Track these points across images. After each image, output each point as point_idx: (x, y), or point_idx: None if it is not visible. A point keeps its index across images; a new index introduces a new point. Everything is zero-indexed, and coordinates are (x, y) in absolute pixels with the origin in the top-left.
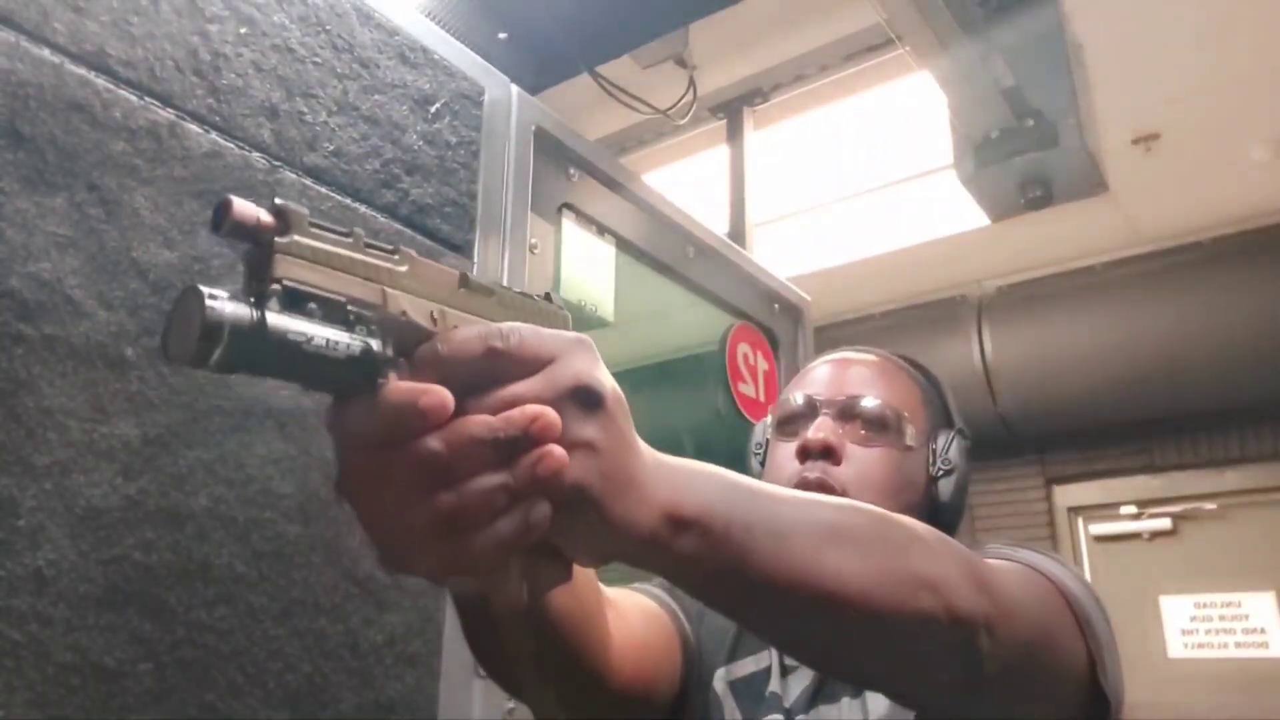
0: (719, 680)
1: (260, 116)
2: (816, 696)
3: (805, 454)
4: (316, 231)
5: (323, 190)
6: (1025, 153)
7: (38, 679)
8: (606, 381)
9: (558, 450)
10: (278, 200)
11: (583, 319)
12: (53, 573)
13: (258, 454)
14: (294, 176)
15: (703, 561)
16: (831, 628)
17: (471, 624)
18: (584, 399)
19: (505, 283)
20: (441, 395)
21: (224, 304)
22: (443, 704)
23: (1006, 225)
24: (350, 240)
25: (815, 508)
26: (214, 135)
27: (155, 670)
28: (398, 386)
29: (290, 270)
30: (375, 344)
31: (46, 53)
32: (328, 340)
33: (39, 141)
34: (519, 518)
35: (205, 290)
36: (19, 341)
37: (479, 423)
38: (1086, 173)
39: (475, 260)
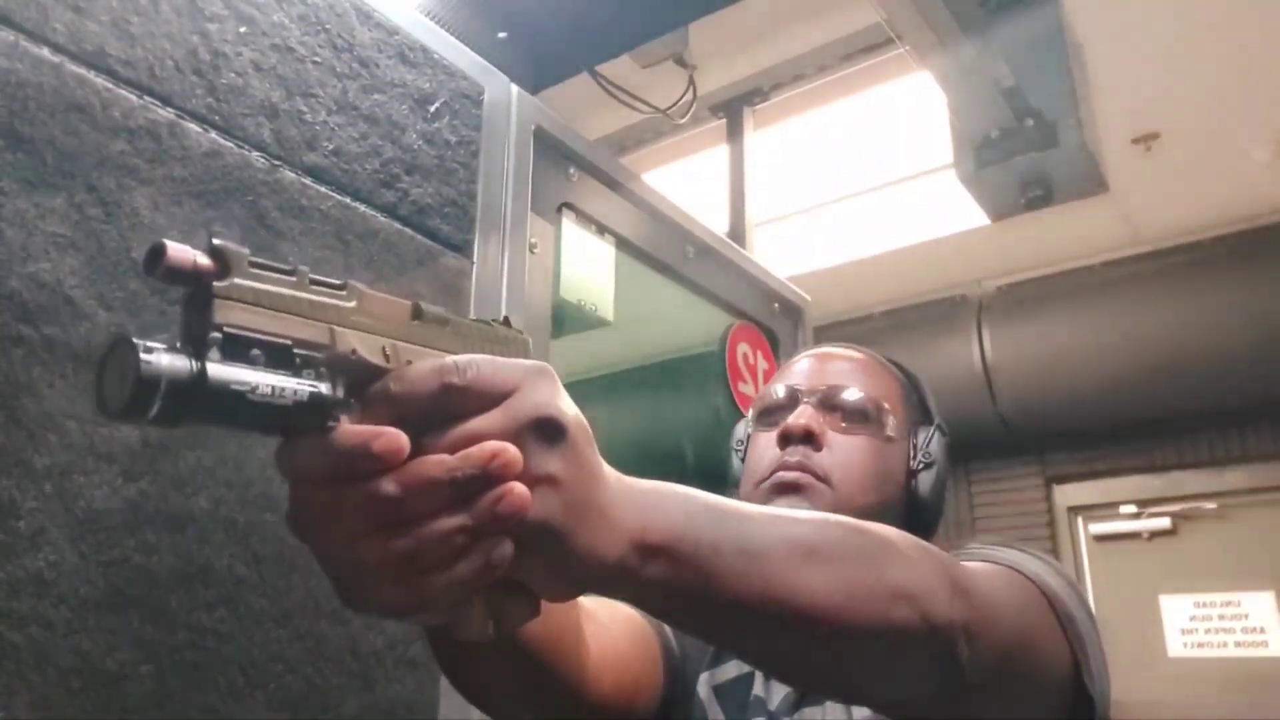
0: (703, 685)
1: (260, 116)
2: (801, 700)
3: (786, 440)
4: (257, 271)
5: (322, 190)
6: (1025, 153)
7: (38, 681)
8: (569, 410)
9: (519, 488)
10: (215, 240)
11: (583, 319)
12: (53, 575)
13: (258, 457)
14: (293, 176)
15: (672, 586)
16: (807, 645)
17: (442, 651)
18: (545, 431)
19: (505, 283)
20: (396, 438)
21: (160, 356)
22: (443, 707)
23: (1006, 225)
24: (294, 279)
25: (786, 524)
26: (214, 135)
27: (156, 673)
28: (348, 430)
29: (230, 315)
30: (324, 387)
31: (46, 52)
32: (274, 388)
33: (39, 141)
34: (480, 558)
35: (140, 343)
36: (19, 343)
37: (435, 463)
38: (1086, 173)
39: (475, 260)
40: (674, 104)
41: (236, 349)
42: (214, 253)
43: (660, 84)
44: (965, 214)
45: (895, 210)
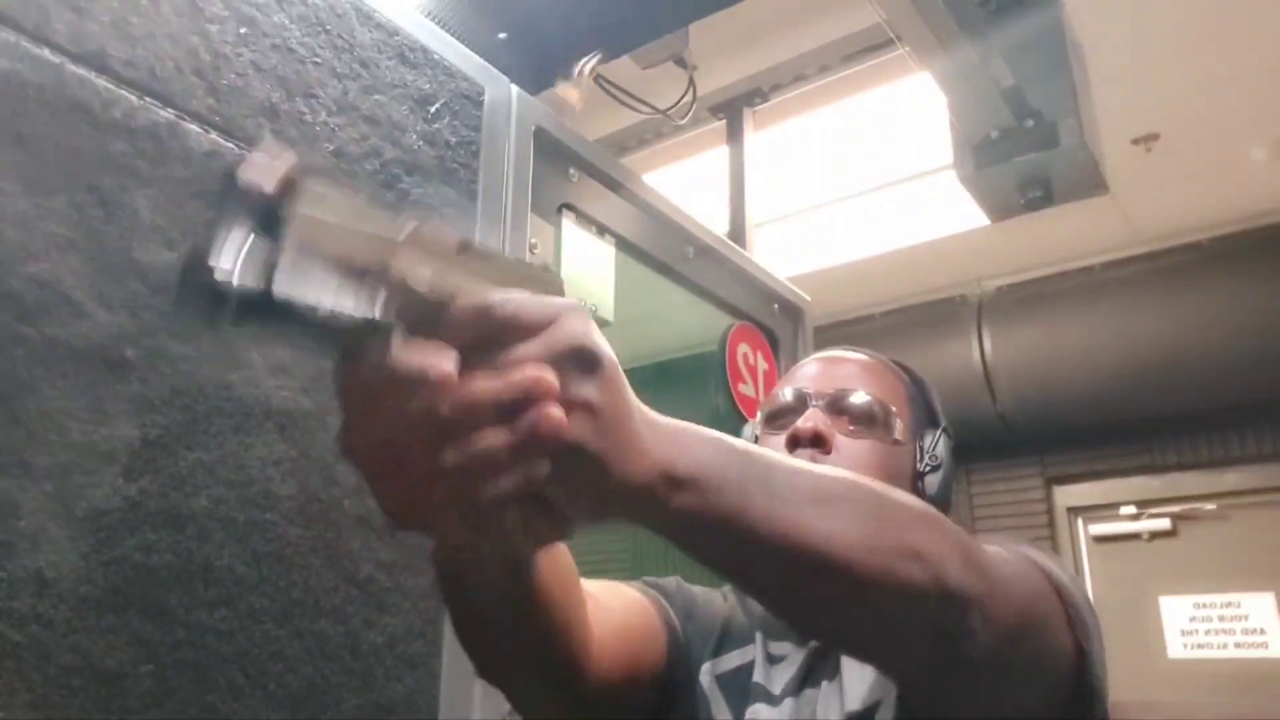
0: (705, 675)
1: (260, 116)
2: (803, 684)
3: (795, 443)
4: (324, 192)
5: None
6: (1025, 153)
7: (38, 681)
8: (603, 345)
9: (556, 410)
10: (294, 159)
11: None
12: (53, 574)
13: (258, 455)
14: None
15: (697, 518)
16: (820, 590)
17: (459, 609)
18: (582, 361)
19: None
20: (448, 364)
21: (236, 262)
22: (443, 706)
23: (1006, 225)
24: (359, 201)
25: (810, 474)
26: (214, 135)
27: (156, 672)
28: (407, 354)
29: (300, 231)
30: (380, 306)
31: (47, 53)
32: (335, 302)
33: (39, 142)
34: (519, 473)
35: (214, 249)
36: (19, 343)
37: (482, 385)
38: (1086, 173)
39: None
40: (674, 105)
41: (303, 263)
42: (291, 171)
43: (660, 85)
44: (965, 214)
45: (895, 210)
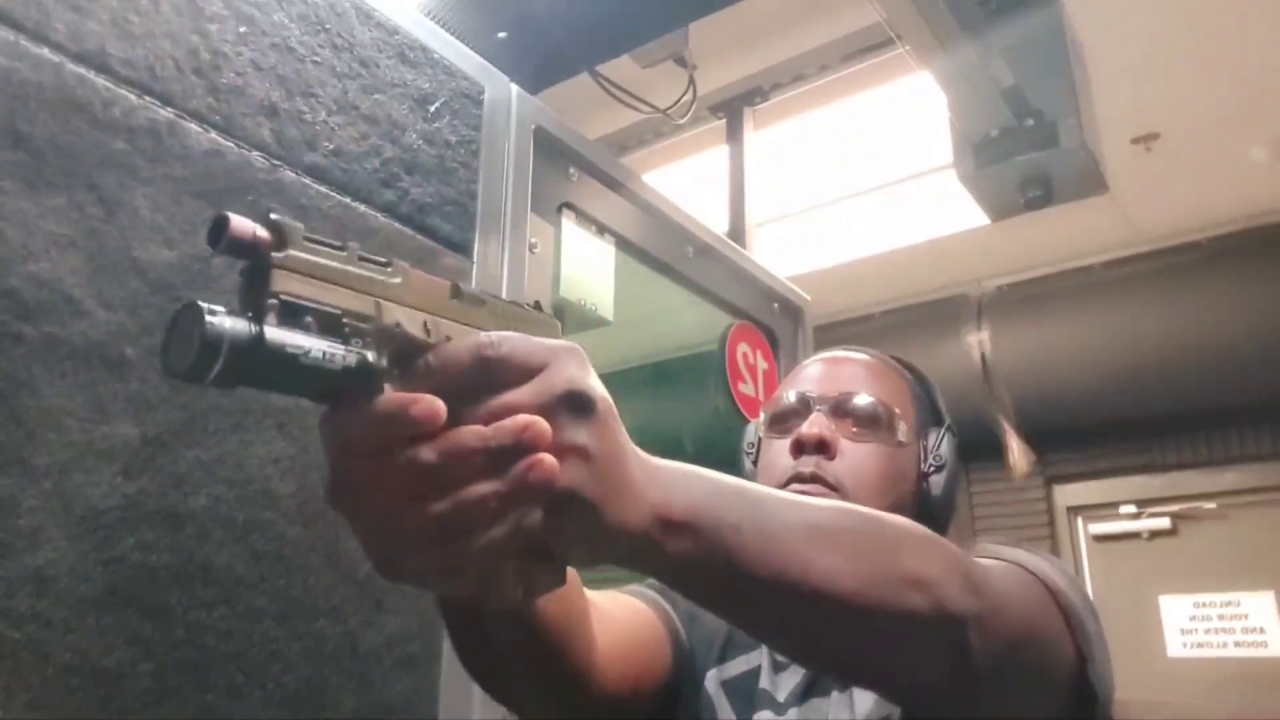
0: (711, 681)
1: (260, 116)
2: (809, 691)
3: (799, 449)
4: (311, 245)
5: (322, 189)
6: (1025, 153)
7: (37, 680)
8: (597, 388)
9: (548, 458)
10: (273, 215)
11: (583, 318)
12: (52, 573)
13: (257, 454)
14: (293, 176)
15: (693, 561)
16: (820, 626)
17: (459, 630)
18: (576, 405)
19: (505, 283)
20: (433, 404)
21: (223, 319)
22: (443, 706)
23: (1006, 225)
24: (344, 254)
25: (805, 509)
26: (214, 134)
27: (155, 671)
28: (390, 396)
29: (287, 285)
30: (371, 355)
31: (46, 52)
32: (325, 353)
33: (39, 141)
34: (511, 523)
35: (204, 305)
36: (19, 341)
37: (471, 432)
38: (1086, 173)
39: (475, 260)
40: (674, 104)
41: (291, 316)
42: (272, 226)
43: (660, 84)
44: (965, 214)
45: (895, 210)
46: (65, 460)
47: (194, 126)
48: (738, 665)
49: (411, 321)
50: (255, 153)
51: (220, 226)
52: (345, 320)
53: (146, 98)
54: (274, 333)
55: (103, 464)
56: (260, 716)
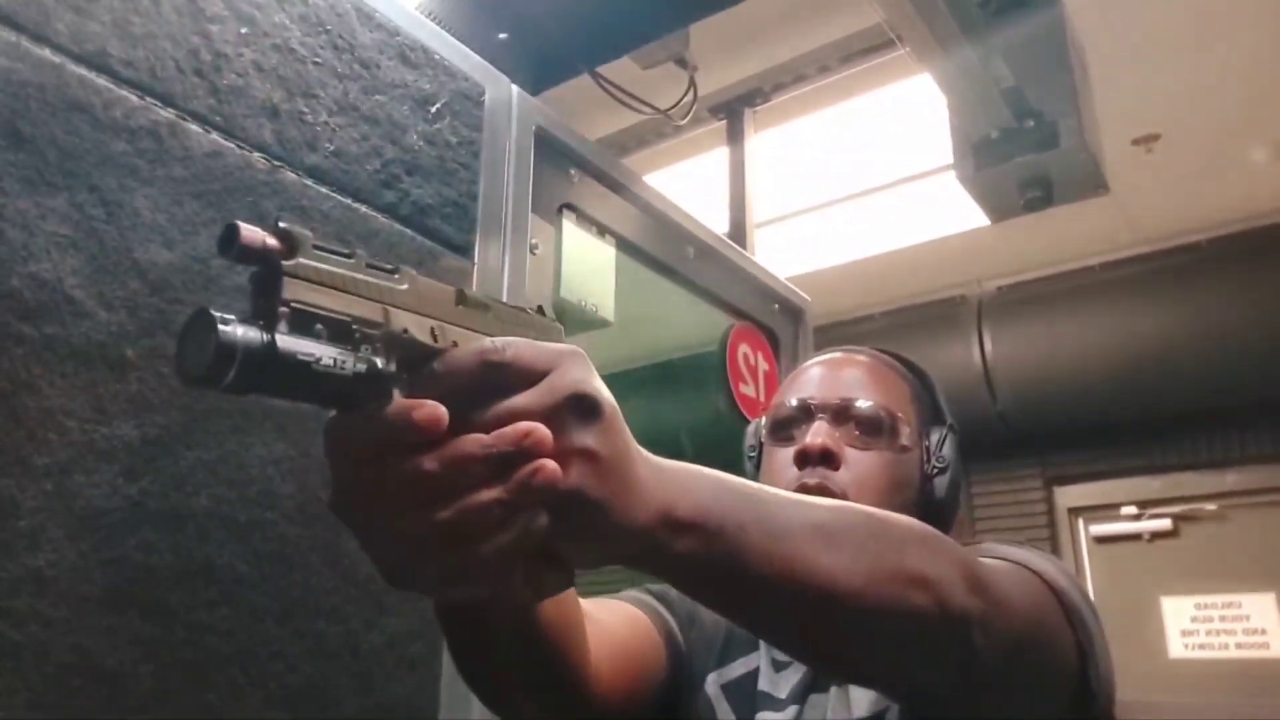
0: (710, 684)
1: (261, 117)
2: (808, 689)
3: (804, 460)
4: (320, 253)
5: (323, 190)
6: (1025, 153)
7: (38, 680)
8: (603, 391)
9: (550, 464)
10: (283, 224)
11: (583, 319)
12: (53, 573)
13: (258, 455)
14: (294, 177)
15: (700, 561)
16: (825, 626)
17: (457, 641)
18: (581, 408)
19: (506, 283)
20: (434, 410)
21: (236, 327)
22: (443, 706)
23: (1006, 226)
24: (353, 261)
25: (808, 508)
26: (215, 135)
27: (156, 671)
28: (399, 407)
29: (297, 292)
30: (380, 361)
31: (47, 53)
32: (335, 359)
33: (39, 141)
34: (516, 528)
35: (217, 314)
36: (19, 342)
37: (472, 440)
38: (1086, 173)
39: (475, 261)
40: (675, 105)
41: (302, 324)
42: (282, 234)
43: (661, 85)
44: (965, 214)
45: (895, 211)
46: (66, 461)
47: (195, 127)
48: (737, 667)
49: (419, 328)
50: (256, 154)
51: (231, 235)
52: (355, 327)
53: (147, 98)
54: (286, 341)
55: (103, 464)
56: (261, 717)
